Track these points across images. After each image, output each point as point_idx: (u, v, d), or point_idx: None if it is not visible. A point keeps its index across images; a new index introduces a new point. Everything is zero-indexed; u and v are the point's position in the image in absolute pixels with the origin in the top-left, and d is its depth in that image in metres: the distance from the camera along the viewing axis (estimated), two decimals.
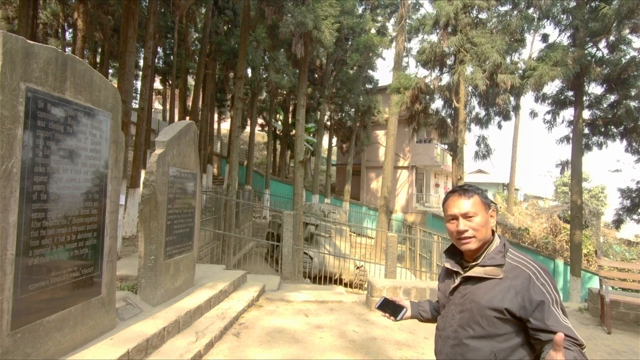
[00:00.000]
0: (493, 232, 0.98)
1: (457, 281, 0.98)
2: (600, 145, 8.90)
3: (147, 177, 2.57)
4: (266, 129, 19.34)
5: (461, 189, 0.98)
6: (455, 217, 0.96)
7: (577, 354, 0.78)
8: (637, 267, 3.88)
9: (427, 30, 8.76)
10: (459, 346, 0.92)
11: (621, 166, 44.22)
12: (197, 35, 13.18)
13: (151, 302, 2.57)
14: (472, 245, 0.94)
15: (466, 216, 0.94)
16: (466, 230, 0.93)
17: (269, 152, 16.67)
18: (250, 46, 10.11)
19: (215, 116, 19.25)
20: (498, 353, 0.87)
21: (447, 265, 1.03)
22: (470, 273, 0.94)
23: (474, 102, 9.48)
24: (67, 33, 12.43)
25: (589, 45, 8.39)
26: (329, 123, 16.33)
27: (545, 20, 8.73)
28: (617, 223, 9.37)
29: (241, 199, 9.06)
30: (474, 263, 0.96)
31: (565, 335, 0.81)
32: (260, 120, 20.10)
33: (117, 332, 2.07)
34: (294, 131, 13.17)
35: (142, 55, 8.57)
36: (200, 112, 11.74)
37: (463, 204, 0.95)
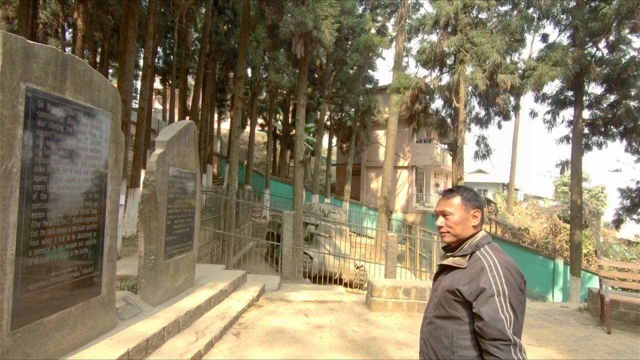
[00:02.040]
0: (478, 230, 1.06)
1: (437, 270, 1.11)
2: (600, 145, 8.90)
3: (147, 177, 2.57)
4: (266, 128, 19.33)
5: (449, 190, 1.09)
6: (438, 214, 1.09)
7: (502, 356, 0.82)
8: (637, 267, 3.89)
9: (427, 30, 8.75)
10: (431, 324, 1.04)
11: (621, 166, 44.18)
12: (197, 35, 13.18)
13: (151, 302, 2.57)
14: (447, 238, 1.07)
15: (443, 214, 1.07)
16: (442, 227, 1.07)
17: (269, 152, 16.66)
18: (250, 46, 10.10)
19: (215, 116, 19.24)
20: (456, 334, 0.95)
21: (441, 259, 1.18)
22: (444, 262, 1.07)
23: (474, 102, 9.48)
24: (67, 33, 12.44)
25: (589, 45, 8.38)
26: (329, 123, 16.33)
27: (545, 20, 8.73)
28: (617, 223, 9.37)
29: (241, 199, 9.05)
30: (449, 254, 1.08)
31: (494, 331, 0.85)
32: (260, 120, 20.09)
33: (117, 332, 2.07)
34: (294, 131, 13.16)
35: (142, 55, 8.56)
36: (200, 112, 11.73)
37: (443, 203, 1.08)
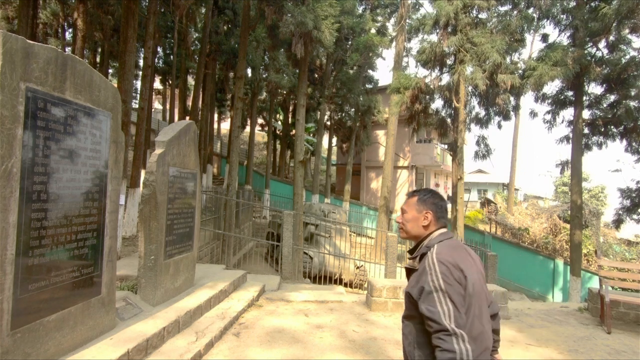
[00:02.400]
0: (432, 230, 1.11)
1: (405, 272, 1.18)
2: (600, 145, 8.90)
3: (147, 177, 2.57)
4: (266, 128, 19.32)
5: (413, 191, 1.19)
6: None
7: (444, 347, 0.87)
8: (637, 267, 3.89)
9: (427, 30, 8.76)
10: (402, 323, 1.12)
11: (621, 166, 44.19)
12: (197, 35, 13.18)
13: (151, 302, 2.57)
14: (401, 234, 1.17)
15: (401, 211, 1.18)
16: (399, 222, 1.16)
17: (269, 152, 16.66)
18: (250, 46, 10.09)
19: (215, 116, 19.23)
20: (415, 332, 1.03)
21: None
22: (404, 265, 1.22)
23: (474, 102, 9.48)
24: (67, 33, 12.44)
25: (589, 45, 8.38)
26: (329, 123, 16.32)
27: (545, 20, 8.73)
28: (617, 223, 9.36)
29: (241, 199, 9.05)
30: (409, 257, 1.15)
31: (434, 324, 0.91)
32: (260, 120, 20.09)
33: (117, 332, 2.07)
34: (294, 131, 13.15)
35: (142, 55, 8.54)
36: (200, 112, 11.72)
37: (404, 202, 1.19)
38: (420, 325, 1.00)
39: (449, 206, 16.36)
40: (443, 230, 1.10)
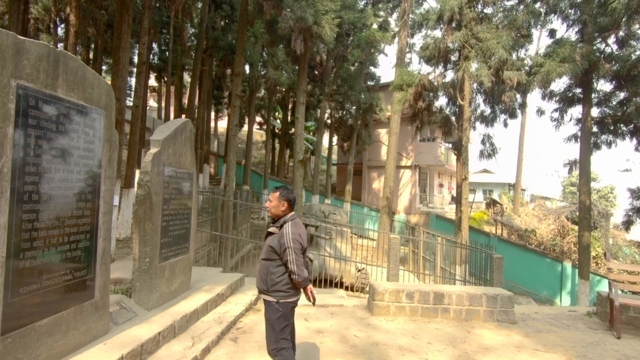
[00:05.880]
0: (287, 212, 1.98)
1: (266, 233, 2.05)
2: (609, 144, 8.71)
3: (142, 177, 2.52)
4: (264, 127, 19.26)
5: (276, 188, 2.01)
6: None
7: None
8: None
9: (430, 25, 8.60)
10: (260, 263, 1.98)
11: (631, 165, 43.47)
12: (193, 30, 13.02)
13: (146, 306, 2.52)
14: (269, 213, 2.03)
15: (270, 200, 2.00)
16: (267, 207, 2.02)
17: (268, 151, 16.59)
18: (248, 42, 9.99)
19: (212, 114, 19.14)
20: (270, 267, 1.91)
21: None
22: (268, 229, 2.02)
23: (479, 99, 9.32)
24: (59, 28, 12.29)
25: (598, 41, 8.18)
26: (329, 121, 16.21)
27: (553, 15, 8.54)
28: (627, 224, 9.13)
29: (239, 200, 8.97)
30: (271, 225, 2.03)
31: (289, 263, 1.87)
32: (258, 119, 20.02)
33: (110, 337, 2.03)
34: (293, 130, 13.08)
35: (137, 51, 8.45)
36: (196, 110, 11.63)
37: (270, 194, 2.01)
38: (276, 262, 1.90)
39: (453, 207, 16.13)
40: (292, 213, 1.99)
